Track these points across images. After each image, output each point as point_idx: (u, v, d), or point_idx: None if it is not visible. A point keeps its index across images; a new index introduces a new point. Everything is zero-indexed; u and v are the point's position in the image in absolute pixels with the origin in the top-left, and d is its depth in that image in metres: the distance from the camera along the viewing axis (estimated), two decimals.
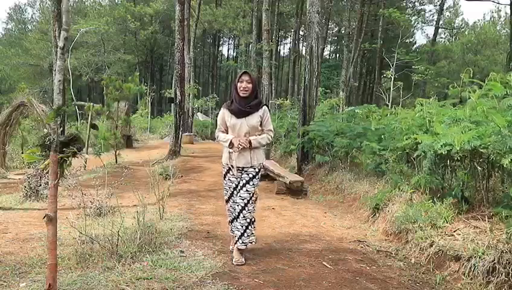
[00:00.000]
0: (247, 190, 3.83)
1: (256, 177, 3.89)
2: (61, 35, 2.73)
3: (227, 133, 3.90)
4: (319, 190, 8.20)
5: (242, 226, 3.88)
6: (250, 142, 3.75)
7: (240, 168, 3.84)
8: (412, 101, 13.83)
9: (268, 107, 3.94)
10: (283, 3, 36.00)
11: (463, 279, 3.49)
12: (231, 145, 3.79)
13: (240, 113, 3.78)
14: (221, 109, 3.94)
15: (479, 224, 3.95)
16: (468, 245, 3.67)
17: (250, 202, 3.85)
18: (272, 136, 3.92)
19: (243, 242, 3.90)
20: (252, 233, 4.03)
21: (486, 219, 3.94)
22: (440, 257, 3.89)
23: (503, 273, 3.23)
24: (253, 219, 4.03)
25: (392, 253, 4.39)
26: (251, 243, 4.03)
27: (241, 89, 3.73)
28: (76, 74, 35.36)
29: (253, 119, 3.80)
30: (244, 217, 3.86)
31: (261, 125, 3.85)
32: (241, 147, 3.73)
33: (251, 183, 3.85)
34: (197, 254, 4.06)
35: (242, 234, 3.88)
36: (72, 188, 6.63)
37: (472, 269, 3.46)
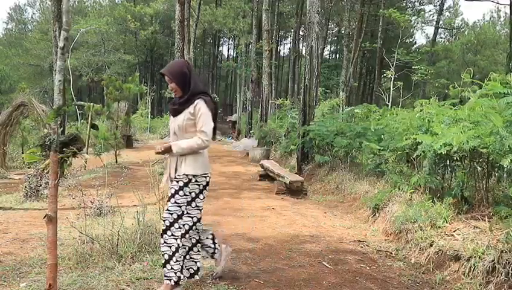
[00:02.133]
0: (168, 209, 3.01)
1: (181, 194, 2.99)
2: (61, 35, 2.74)
3: None
4: (319, 189, 8.21)
5: (164, 254, 3.02)
6: (170, 148, 2.97)
7: (172, 179, 3.10)
8: (412, 101, 13.85)
9: (204, 100, 2.99)
10: (283, 3, 35.99)
11: (463, 279, 3.50)
12: None
13: (172, 112, 3.12)
14: None
15: (478, 224, 3.95)
16: (468, 245, 3.67)
17: (177, 226, 2.99)
18: (205, 139, 2.94)
19: (165, 275, 3.03)
20: (174, 270, 2.99)
21: (486, 219, 3.94)
22: (440, 257, 3.89)
23: (503, 273, 3.23)
24: (181, 253, 3.00)
25: (392, 253, 4.39)
26: (172, 280, 2.99)
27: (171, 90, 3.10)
28: (77, 74, 35.37)
29: (180, 118, 3.00)
30: (165, 242, 3.00)
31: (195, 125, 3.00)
32: (157, 152, 3.03)
33: (172, 201, 3.00)
34: None
35: (167, 262, 3.01)
36: (72, 188, 6.64)
37: (472, 269, 3.46)
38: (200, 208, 3.08)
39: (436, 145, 4.41)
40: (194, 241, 3.09)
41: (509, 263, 3.25)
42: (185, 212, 3.00)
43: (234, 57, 45.19)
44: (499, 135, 3.83)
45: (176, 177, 3.01)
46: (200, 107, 2.95)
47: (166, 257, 2.99)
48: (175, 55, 14.58)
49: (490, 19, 40.50)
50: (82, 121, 21.55)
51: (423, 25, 36.43)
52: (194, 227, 3.04)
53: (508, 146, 3.68)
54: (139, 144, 20.01)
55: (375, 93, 27.03)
